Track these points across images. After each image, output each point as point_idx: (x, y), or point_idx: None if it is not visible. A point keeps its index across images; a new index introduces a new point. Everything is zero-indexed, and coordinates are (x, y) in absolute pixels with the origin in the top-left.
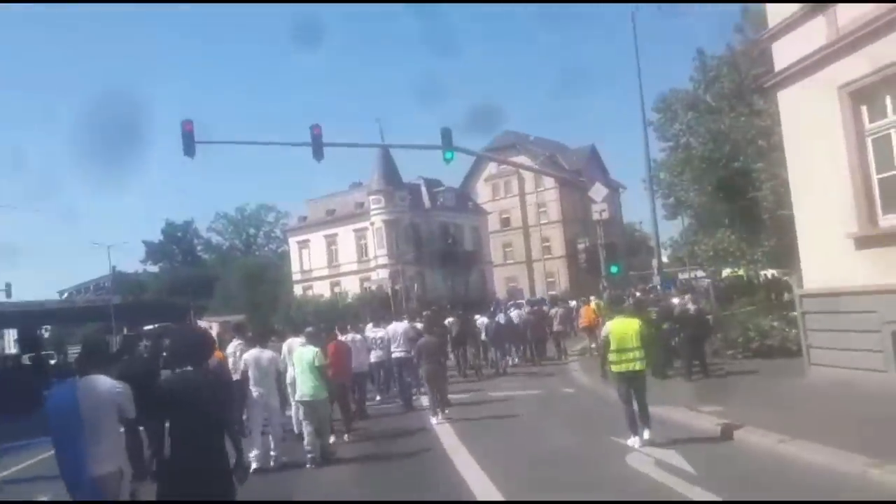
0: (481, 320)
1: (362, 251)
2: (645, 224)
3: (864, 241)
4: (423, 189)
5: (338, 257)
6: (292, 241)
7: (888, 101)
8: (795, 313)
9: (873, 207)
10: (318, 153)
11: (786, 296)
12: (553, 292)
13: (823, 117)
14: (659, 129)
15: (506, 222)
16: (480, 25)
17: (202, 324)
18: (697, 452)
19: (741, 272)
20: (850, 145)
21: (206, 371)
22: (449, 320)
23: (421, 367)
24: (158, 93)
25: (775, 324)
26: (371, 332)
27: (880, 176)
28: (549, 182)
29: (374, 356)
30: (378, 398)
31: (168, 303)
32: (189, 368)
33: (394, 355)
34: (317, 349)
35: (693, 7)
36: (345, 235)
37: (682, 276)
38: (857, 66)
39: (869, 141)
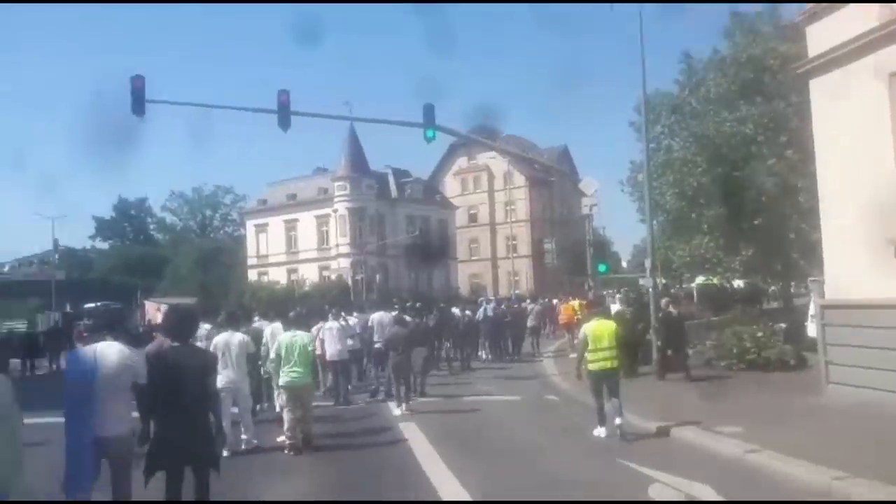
0: (458, 314)
1: (323, 238)
2: (609, 229)
3: None
4: (391, 178)
5: (297, 244)
6: (250, 225)
7: None
8: (782, 325)
9: None
10: (284, 121)
11: (766, 305)
12: (517, 291)
13: (866, 108)
14: (639, 130)
15: (473, 218)
16: (475, 19)
17: (149, 305)
18: (733, 487)
19: (715, 280)
20: None
21: (195, 347)
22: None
23: (390, 358)
24: (112, 56)
25: (760, 335)
26: (354, 319)
27: None
28: (518, 180)
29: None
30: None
31: (114, 281)
32: (176, 344)
33: (377, 346)
34: (311, 335)
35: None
36: (306, 221)
37: (641, 282)
38: None
39: None
